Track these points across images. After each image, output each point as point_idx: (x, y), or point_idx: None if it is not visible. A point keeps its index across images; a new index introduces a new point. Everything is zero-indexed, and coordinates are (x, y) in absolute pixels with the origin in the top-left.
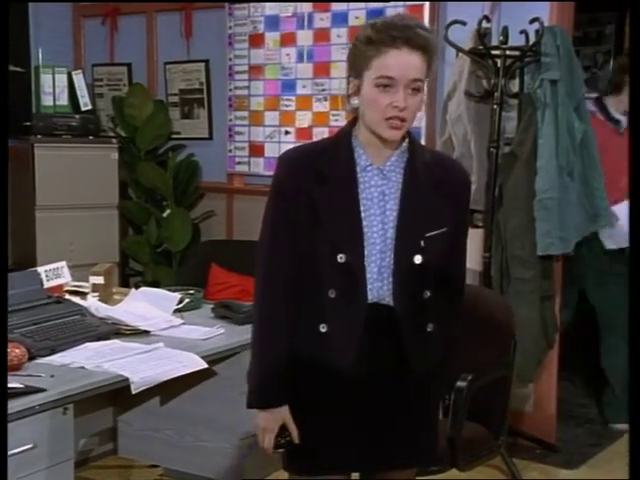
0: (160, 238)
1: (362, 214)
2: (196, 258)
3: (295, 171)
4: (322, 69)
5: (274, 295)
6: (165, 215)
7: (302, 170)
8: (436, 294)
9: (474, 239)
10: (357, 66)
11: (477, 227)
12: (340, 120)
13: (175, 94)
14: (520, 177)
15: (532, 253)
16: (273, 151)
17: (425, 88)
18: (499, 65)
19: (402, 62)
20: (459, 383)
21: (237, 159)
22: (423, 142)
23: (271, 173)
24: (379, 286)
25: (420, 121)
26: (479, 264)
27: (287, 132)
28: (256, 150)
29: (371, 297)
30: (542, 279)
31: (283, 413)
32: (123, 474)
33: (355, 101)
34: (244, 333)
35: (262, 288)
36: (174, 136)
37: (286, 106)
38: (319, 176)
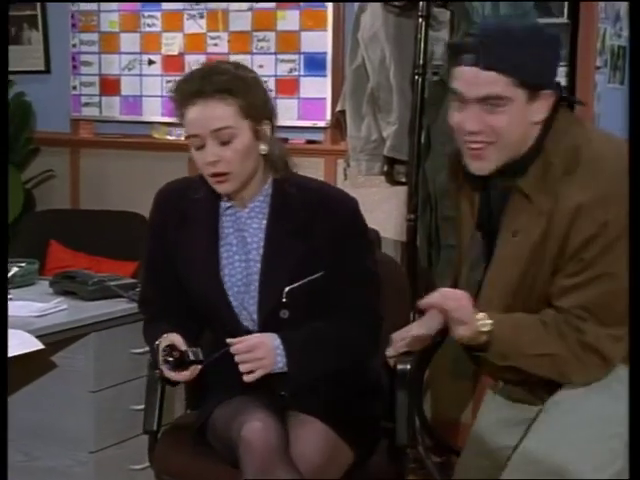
0: None
1: (223, 261)
2: (29, 233)
3: (163, 208)
4: None
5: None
6: None
7: (169, 207)
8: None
9: (394, 199)
10: None
11: (399, 183)
12: (221, 45)
13: None
14: None
15: None
16: (133, 87)
17: (246, 134)
18: None
19: (200, 116)
20: (400, 366)
21: (84, 99)
22: (329, 71)
23: (130, 117)
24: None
25: (324, 45)
26: (401, 231)
27: (151, 62)
28: (110, 86)
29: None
30: None
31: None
32: None
33: None
34: (93, 310)
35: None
36: None
37: (149, 26)
38: (183, 216)
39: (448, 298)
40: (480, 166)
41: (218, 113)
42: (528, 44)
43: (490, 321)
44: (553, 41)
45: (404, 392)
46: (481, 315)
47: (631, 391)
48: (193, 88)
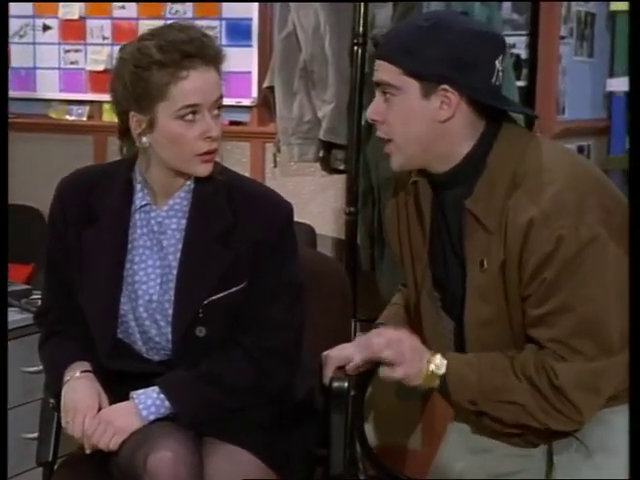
0: None
1: (135, 266)
2: None
3: (66, 200)
4: None
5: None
6: None
7: (74, 200)
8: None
9: (331, 190)
10: (143, 99)
11: (336, 171)
12: (129, 8)
13: None
14: None
15: None
16: (25, 58)
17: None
18: None
19: (204, 83)
20: (336, 384)
21: None
22: (254, 40)
23: (22, 94)
24: (154, 355)
25: (249, 9)
26: (339, 227)
27: (47, 27)
28: None
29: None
30: None
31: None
32: None
33: (145, 139)
34: None
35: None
36: None
37: None
38: (89, 211)
39: (389, 347)
40: (390, 162)
41: (217, 81)
42: (424, 36)
43: (445, 362)
44: (467, 39)
45: (340, 414)
46: (437, 358)
47: (632, 392)
48: (195, 49)
